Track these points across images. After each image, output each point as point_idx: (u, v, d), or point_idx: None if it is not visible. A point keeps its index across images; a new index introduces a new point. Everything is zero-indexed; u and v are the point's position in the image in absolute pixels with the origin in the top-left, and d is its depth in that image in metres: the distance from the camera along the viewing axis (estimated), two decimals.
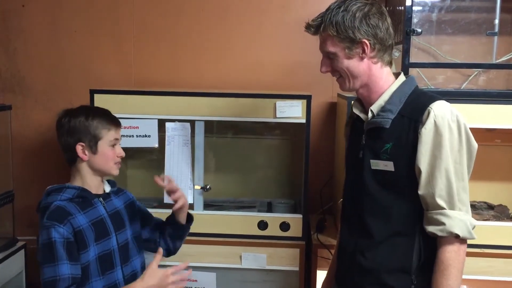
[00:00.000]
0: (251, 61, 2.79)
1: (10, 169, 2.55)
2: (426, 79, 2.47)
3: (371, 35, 1.49)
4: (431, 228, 1.47)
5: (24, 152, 2.87)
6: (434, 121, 1.44)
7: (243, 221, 2.35)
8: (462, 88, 2.57)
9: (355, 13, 1.48)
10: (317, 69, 1.60)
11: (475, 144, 1.50)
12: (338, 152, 2.59)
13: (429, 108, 1.46)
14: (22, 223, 2.53)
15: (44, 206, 1.70)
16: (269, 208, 2.62)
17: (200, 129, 2.34)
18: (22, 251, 2.48)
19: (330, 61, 1.56)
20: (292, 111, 2.26)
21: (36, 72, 2.87)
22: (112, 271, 1.76)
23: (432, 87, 2.45)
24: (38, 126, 2.88)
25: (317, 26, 1.54)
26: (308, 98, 2.27)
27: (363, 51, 1.50)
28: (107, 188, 1.88)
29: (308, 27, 1.56)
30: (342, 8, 1.49)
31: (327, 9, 1.52)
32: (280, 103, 2.26)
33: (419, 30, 2.12)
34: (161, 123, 2.35)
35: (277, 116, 2.27)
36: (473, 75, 2.55)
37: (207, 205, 2.43)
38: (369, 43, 1.49)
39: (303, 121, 2.28)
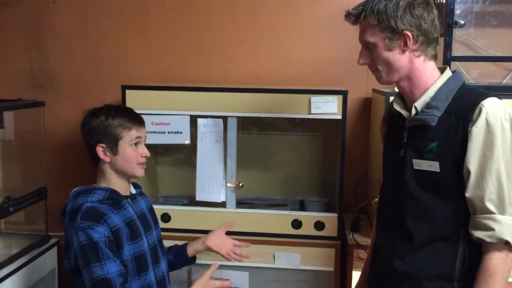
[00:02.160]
0: (282, 56, 2.72)
1: (44, 165, 2.54)
2: (466, 73, 2.37)
3: (415, 26, 1.41)
4: (478, 234, 1.37)
5: (53, 149, 2.86)
6: (486, 119, 1.35)
7: (276, 219, 2.30)
8: (504, 82, 2.46)
9: (399, 2, 1.40)
10: (350, 64, 1.55)
11: None
12: (372, 149, 2.52)
13: (480, 105, 1.36)
14: (54, 220, 2.52)
15: (74, 208, 1.66)
16: (301, 206, 2.56)
17: (232, 125, 2.29)
18: (55, 248, 2.47)
19: (369, 52, 1.48)
20: (327, 107, 2.20)
21: (67, 68, 2.86)
22: (146, 272, 1.73)
23: (472, 82, 2.36)
24: (68, 123, 2.87)
25: (357, 15, 1.46)
26: (344, 93, 2.20)
27: (405, 43, 1.42)
28: (133, 190, 1.86)
29: (348, 15, 1.49)
30: None
31: None
32: (315, 99, 2.20)
33: (462, 22, 2.03)
34: (193, 119, 2.31)
35: (312, 112, 2.21)
36: None
37: (238, 203, 2.39)
38: (412, 35, 1.41)
39: (339, 117, 2.21)
